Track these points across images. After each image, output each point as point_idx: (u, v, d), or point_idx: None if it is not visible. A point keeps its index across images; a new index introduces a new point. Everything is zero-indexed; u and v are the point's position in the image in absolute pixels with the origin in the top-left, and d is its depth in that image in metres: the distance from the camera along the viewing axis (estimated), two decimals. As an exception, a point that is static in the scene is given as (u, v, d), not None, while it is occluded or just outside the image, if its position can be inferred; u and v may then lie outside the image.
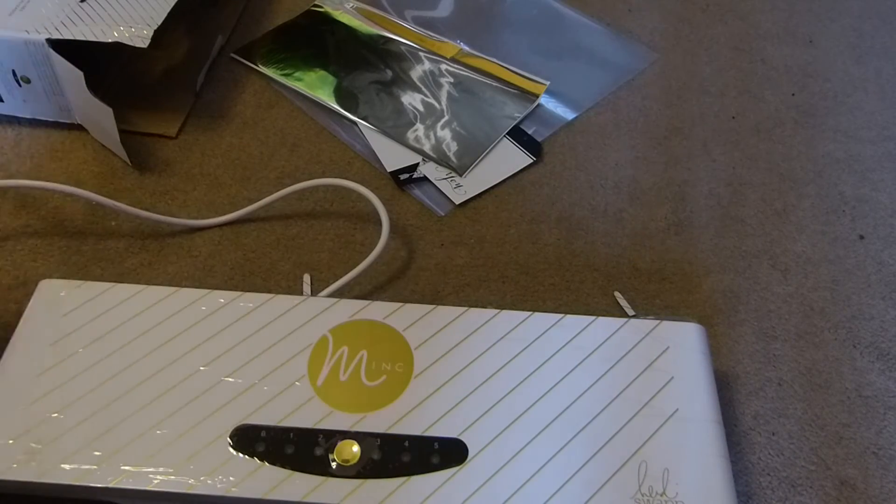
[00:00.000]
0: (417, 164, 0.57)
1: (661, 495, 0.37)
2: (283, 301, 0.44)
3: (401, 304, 0.44)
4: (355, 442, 0.38)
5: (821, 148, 0.61)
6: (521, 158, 0.58)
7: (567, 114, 0.62)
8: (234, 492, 0.37)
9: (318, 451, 0.38)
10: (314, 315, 0.43)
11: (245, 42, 0.66)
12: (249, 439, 0.38)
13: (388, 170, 0.57)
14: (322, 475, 0.37)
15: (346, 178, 0.54)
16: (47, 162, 0.56)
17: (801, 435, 0.45)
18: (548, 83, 0.64)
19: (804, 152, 0.60)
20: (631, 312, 0.49)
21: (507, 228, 0.54)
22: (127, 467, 0.37)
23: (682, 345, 0.43)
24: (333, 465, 0.38)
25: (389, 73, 0.64)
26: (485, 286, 0.51)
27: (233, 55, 0.65)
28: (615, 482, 0.37)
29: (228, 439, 0.38)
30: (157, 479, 0.37)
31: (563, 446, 0.39)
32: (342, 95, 0.62)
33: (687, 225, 0.55)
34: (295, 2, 0.71)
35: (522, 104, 0.62)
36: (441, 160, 0.58)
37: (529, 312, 0.44)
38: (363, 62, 0.65)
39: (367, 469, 0.37)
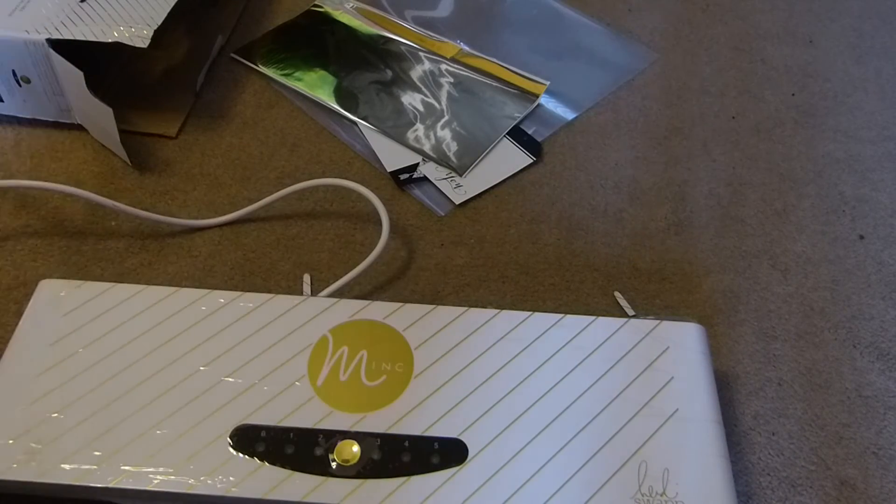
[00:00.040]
0: (417, 164, 0.57)
1: (661, 495, 0.37)
2: (283, 301, 0.44)
3: (401, 304, 0.44)
4: (355, 442, 0.38)
5: (821, 148, 0.61)
6: (521, 158, 0.58)
7: (567, 114, 0.62)
8: (234, 492, 0.37)
9: (318, 451, 0.38)
10: (314, 315, 0.43)
11: (245, 42, 0.66)
12: (249, 439, 0.38)
13: (388, 170, 0.57)
14: (322, 475, 0.37)
15: (346, 178, 0.54)
16: (47, 162, 0.56)
17: (801, 435, 0.45)
18: (548, 83, 0.64)
19: (804, 152, 0.60)
20: (631, 312, 0.49)
21: (507, 228, 0.54)
22: (127, 467, 0.37)
23: (682, 345, 0.43)
24: (333, 465, 0.38)
25: (389, 73, 0.64)
26: (485, 286, 0.51)
27: (233, 55, 0.65)
28: (615, 482, 0.37)
29: (228, 439, 0.38)
30: (157, 479, 0.37)
31: (563, 446, 0.39)
32: (342, 95, 0.62)
33: (687, 225, 0.55)
34: (295, 2, 0.71)
35: (522, 104, 0.62)
36: (441, 160, 0.58)
37: (529, 312, 0.44)
38: (363, 62, 0.65)
39: (367, 469, 0.37)
